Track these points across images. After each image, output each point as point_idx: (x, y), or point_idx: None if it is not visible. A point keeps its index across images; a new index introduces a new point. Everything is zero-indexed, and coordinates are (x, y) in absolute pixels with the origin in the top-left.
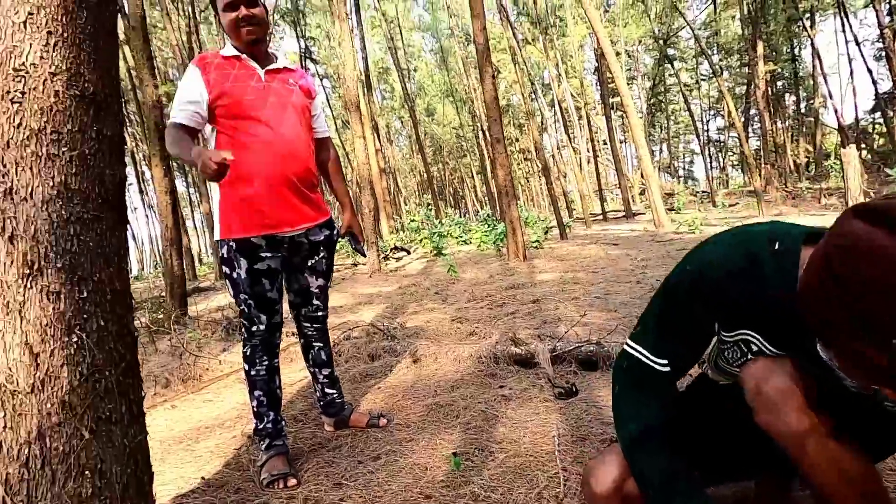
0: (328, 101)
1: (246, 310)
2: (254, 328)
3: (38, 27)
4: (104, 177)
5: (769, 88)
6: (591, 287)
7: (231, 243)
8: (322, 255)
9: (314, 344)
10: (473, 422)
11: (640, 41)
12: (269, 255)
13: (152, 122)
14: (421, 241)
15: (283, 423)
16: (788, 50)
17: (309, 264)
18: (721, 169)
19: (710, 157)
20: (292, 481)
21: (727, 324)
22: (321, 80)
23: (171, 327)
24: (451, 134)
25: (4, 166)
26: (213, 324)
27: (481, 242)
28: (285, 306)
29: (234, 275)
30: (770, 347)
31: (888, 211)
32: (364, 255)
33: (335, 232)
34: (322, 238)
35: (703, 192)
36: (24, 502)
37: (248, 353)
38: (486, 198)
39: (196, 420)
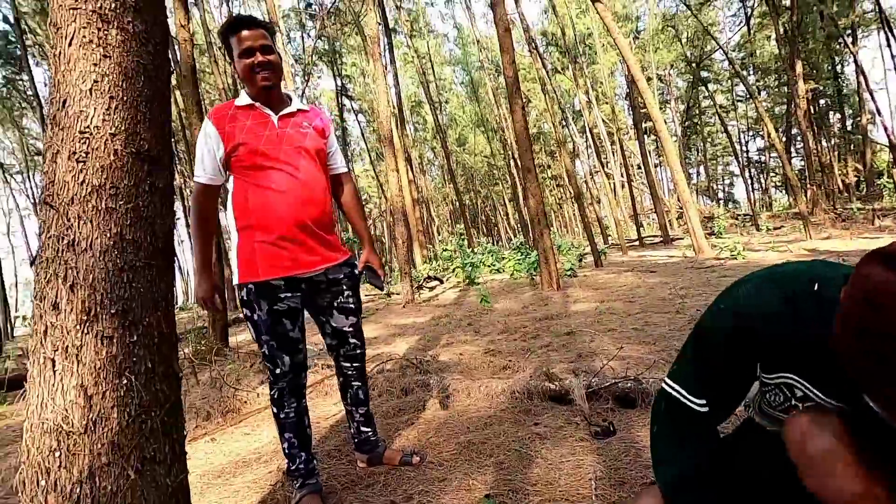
0: (363, 134)
1: (268, 352)
2: (277, 370)
3: (101, 93)
4: (155, 226)
5: (811, 107)
6: (627, 318)
7: (250, 286)
8: (347, 293)
9: (353, 383)
10: (507, 461)
11: (671, 65)
12: (288, 294)
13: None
14: (454, 270)
15: (316, 461)
16: (830, 67)
17: (336, 304)
18: (763, 191)
19: (752, 179)
20: None
21: (767, 366)
22: (356, 115)
23: (212, 359)
24: (482, 163)
25: (69, 220)
26: (252, 355)
27: (514, 271)
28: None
29: (255, 317)
30: (815, 391)
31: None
32: (381, 290)
33: (356, 270)
34: (342, 276)
35: (746, 214)
36: None
37: (275, 397)
38: (519, 225)
39: (234, 453)
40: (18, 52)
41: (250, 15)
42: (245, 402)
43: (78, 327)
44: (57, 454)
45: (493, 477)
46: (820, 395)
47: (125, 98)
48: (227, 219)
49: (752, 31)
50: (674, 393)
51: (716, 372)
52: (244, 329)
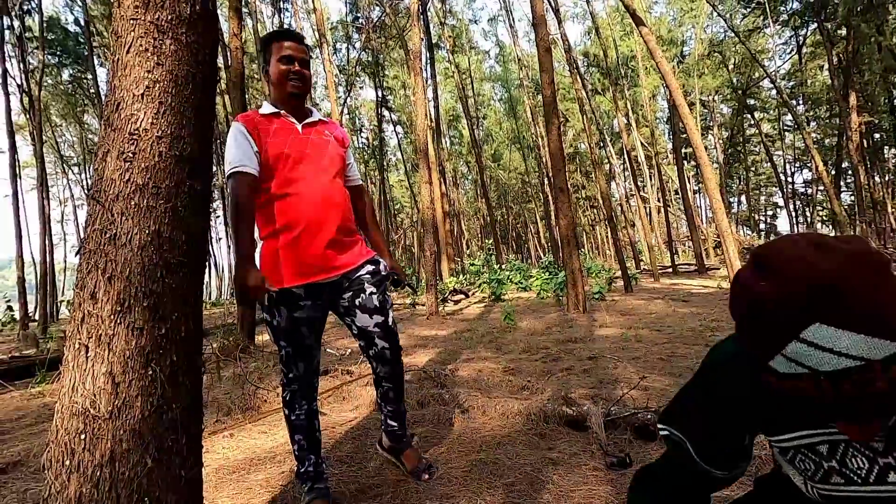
0: (400, 145)
1: (284, 356)
2: (291, 374)
3: (152, 98)
4: (191, 227)
5: (864, 140)
6: (654, 347)
7: (272, 293)
8: (370, 291)
9: (383, 384)
10: (518, 484)
11: (716, 91)
12: (308, 303)
13: None
14: (480, 285)
15: (325, 465)
16: (886, 100)
17: (357, 303)
18: (808, 224)
19: (796, 212)
20: None
21: (768, 426)
22: (395, 126)
23: (237, 356)
24: (516, 179)
25: (112, 216)
26: (276, 355)
27: (541, 290)
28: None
29: (275, 322)
30: (850, 443)
31: (760, 255)
32: (413, 288)
33: (382, 267)
34: (363, 273)
35: None
36: None
37: (287, 399)
38: (549, 244)
39: (251, 451)
40: (85, 53)
41: (300, 33)
42: (265, 400)
43: (112, 317)
44: (82, 436)
45: (501, 499)
46: (853, 445)
47: (173, 104)
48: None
49: (803, 61)
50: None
51: (715, 433)
52: None
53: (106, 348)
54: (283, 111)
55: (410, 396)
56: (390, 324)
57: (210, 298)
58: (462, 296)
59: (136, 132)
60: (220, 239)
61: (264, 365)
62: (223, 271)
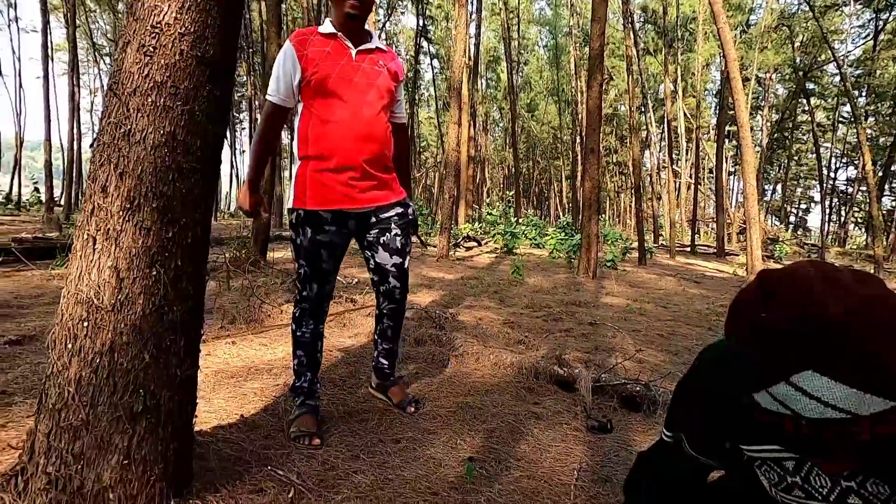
0: (434, 80)
1: (302, 275)
2: (305, 293)
3: None
4: (207, 133)
5: None
6: (656, 322)
7: (300, 212)
8: (395, 232)
9: (384, 321)
10: (498, 431)
11: (775, 69)
12: (333, 228)
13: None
14: (494, 235)
15: (319, 385)
16: None
17: (381, 241)
18: (841, 224)
19: (830, 209)
20: (316, 441)
21: (740, 434)
22: (432, 59)
23: (247, 269)
24: (548, 133)
25: (128, 110)
26: (284, 273)
27: (554, 249)
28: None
29: (298, 241)
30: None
31: (767, 281)
32: (423, 243)
33: (410, 210)
34: (392, 214)
35: (813, 245)
36: (86, 404)
37: (296, 315)
38: (570, 205)
39: (249, 360)
40: None
41: None
42: (269, 315)
43: (121, 213)
44: (85, 324)
45: (481, 442)
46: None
47: (199, 0)
48: (292, 144)
49: (877, 48)
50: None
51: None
52: (284, 247)
53: (113, 243)
54: (339, 33)
55: (409, 333)
56: (405, 266)
57: (229, 209)
58: (475, 243)
59: (159, 26)
60: (243, 151)
61: (272, 281)
62: (244, 184)
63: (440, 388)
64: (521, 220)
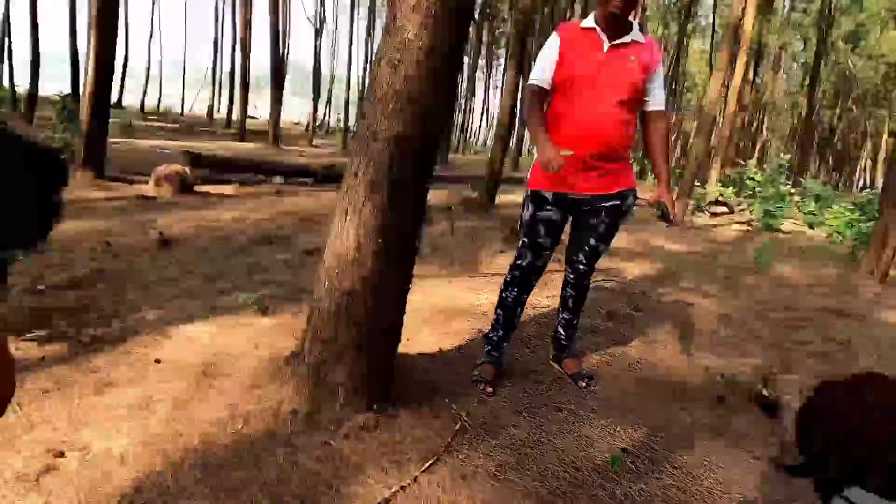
0: (715, 5)
1: (520, 245)
2: (519, 261)
3: (419, 10)
4: (426, 123)
5: None
6: None
7: (529, 191)
8: (603, 218)
9: (567, 289)
10: (664, 432)
11: None
12: (553, 208)
13: (520, 27)
14: (752, 204)
15: (507, 343)
16: None
17: (589, 223)
18: None
19: None
20: (489, 389)
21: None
22: None
23: (475, 212)
24: (875, 72)
25: (376, 113)
26: (508, 220)
27: (835, 232)
28: None
29: (525, 215)
30: None
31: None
32: (668, 223)
33: (628, 202)
34: (608, 204)
35: None
36: (331, 327)
37: (507, 280)
38: (887, 174)
39: (458, 301)
40: None
41: None
42: (481, 262)
43: (365, 194)
44: (336, 271)
45: (641, 437)
46: None
47: (438, 14)
48: None
49: None
50: None
51: None
52: (512, 190)
53: (358, 216)
54: (598, 28)
55: (602, 306)
56: (600, 251)
57: (476, 145)
58: (725, 209)
59: (403, 42)
60: (496, 87)
61: (494, 227)
62: (484, 121)
63: (619, 371)
64: (799, 187)
